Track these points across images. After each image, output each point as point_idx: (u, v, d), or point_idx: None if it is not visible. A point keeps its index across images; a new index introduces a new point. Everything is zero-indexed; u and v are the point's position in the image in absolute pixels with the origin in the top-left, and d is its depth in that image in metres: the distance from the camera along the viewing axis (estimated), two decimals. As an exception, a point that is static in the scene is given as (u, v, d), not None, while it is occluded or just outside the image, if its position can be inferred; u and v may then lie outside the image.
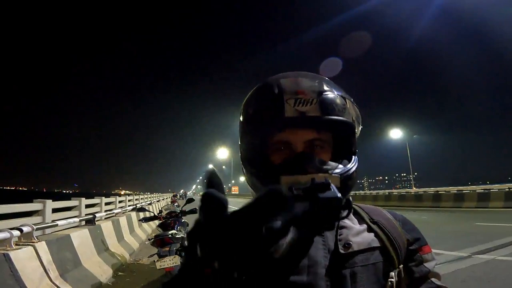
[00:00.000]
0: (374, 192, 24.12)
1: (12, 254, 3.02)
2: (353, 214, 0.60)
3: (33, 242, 3.49)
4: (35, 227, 3.60)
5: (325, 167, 0.54)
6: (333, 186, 0.45)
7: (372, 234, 0.56)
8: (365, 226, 0.57)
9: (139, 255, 6.48)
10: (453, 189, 16.23)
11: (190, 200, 4.47)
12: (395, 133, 28.77)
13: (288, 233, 0.50)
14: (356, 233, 0.55)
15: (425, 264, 0.58)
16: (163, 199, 22.23)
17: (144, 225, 9.04)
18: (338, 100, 0.57)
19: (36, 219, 4.31)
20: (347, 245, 0.53)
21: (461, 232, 7.29)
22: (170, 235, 3.85)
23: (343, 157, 0.58)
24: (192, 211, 4.13)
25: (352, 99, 0.61)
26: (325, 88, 0.57)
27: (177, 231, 3.98)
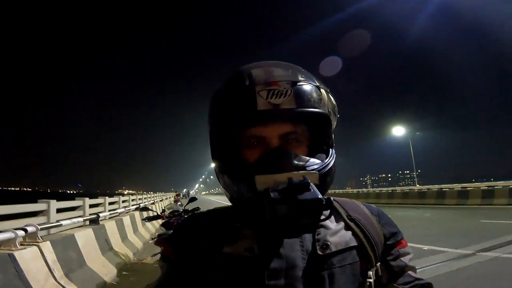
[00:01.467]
0: (377, 190, 24.04)
1: (17, 254, 3.04)
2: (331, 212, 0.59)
3: (38, 242, 3.51)
4: (39, 227, 3.62)
5: (302, 163, 0.51)
6: (312, 186, 0.43)
7: (349, 233, 0.54)
8: (342, 224, 0.56)
9: (143, 254, 6.50)
10: (457, 186, 16.13)
11: (193, 199, 4.48)
12: (398, 130, 28.61)
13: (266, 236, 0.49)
14: (334, 232, 0.53)
15: (402, 259, 0.57)
16: (166, 199, 22.31)
17: (148, 224, 9.07)
18: (314, 91, 0.53)
19: (40, 219, 4.34)
20: (325, 246, 0.51)
21: (466, 229, 7.25)
22: None
23: (319, 151, 0.55)
24: (195, 210, 4.14)
25: (328, 90, 0.57)
26: (300, 78, 0.53)
27: (180, 230, 3.99)
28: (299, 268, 0.48)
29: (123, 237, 6.53)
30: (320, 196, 0.42)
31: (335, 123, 0.59)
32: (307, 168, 0.50)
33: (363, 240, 0.54)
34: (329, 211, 0.49)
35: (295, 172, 0.48)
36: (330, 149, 0.56)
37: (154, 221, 6.49)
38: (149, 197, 16.55)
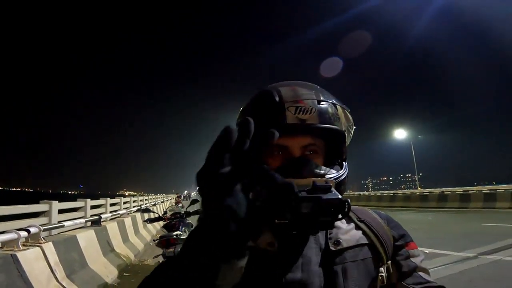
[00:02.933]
0: (378, 193, 23.91)
1: (20, 255, 3.05)
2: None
3: (40, 243, 3.53)
4: (42, 228, 3.63)
5: (320, 171, 0.58)
6: (333, 189, 0.48)
7: (360, 232, 0.60)
8: (352, 225, 0.61)
9: (144, 255, 6.51)
10: (459, 190, 16.07)
11: (194, 201, 4.48)
12: (400, 133, 28.58)
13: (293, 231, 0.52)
14: (345, 231, 0.59)
15: (412, 259, 0.61)
16: (167, 200, 22.31)
17: (149, 226, 9.08)
18: (333, 110, 0.61)
19: (42, 220, 4.35)
20: (337, 242, 0.56)
21: (468, 232, 7.22)
22: (175, 236, 3.87)
23: (334, 164, 0.62)
24: (197, 212, 4.14)
25: (348, 109, 0.65)
26: (322, 97, 0.60)
27: (181, 232, 3.99)
28: (314, 263, 0.54)
29: (125, 238, 6.53)
30: (340, 197, 0.47)
31: (349, 140, 0.66)
32: (326, 176, 0.57)
33: (373, 239, 0.59)
34: (346, 211, 0.52)
35: (318, 179, 0.53)
36: (344, 162, 0.63)
37: (155, 223, 6.51)
38: (150, 199, 16.55)
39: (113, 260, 5.22)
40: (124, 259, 5.64)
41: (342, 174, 0.60)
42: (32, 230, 3.47)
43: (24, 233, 3.33)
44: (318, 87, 0.65)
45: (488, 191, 14.48)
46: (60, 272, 3.56)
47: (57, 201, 4.77)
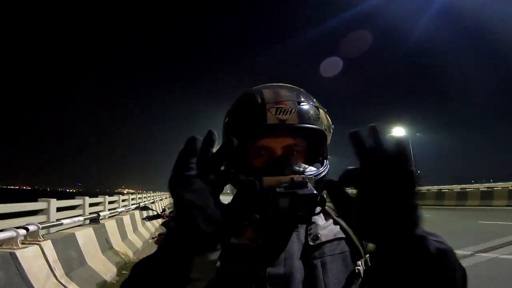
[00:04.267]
0: None
1: (19, 253, 3.05)
2: (321, 212, 0.66)
3: (39, 241, 3.53)
4: (40, 226, 3.63)
5: (300, 169, 0.61)
6: (309, 184, 0.52)
7: (337, 227, 0.62)
8: (331, 221, 0.63)
9: (143, 253, 6.52)
10: (457, 187, 16.17)
11: None
12: (398, 131, 28.65)
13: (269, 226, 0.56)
14: (323, 227, 0.61)
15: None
16: (166, 198, 22.31)
17: (148, 223, 9.09)
18: (313, 110, 0.64)
19: (40, 218, 4.36)
20: (315, 237, 0.59)
21: (464, 230, 7.28)
22: None
23: (316, 162, 0.65)
24: None
25: (325, 109, 0.68)
26: (302, 99, 0.64)
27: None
28: (296, 258, 0.56)
29: (123, 236, 6.55)
30: (315, 192, 0.50)
31: (329, 138, 0.69)
32: (305, 173, 0.60)
33: (350, 233, 0.60)
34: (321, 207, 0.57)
35: (296, 175, 0.55)
36: (325, 160, 0.66)
37: (154, 221, 6.51)
38: (149, 196, 16.55)
39: (112, 258, 5.23)
40: (123, 256, 5.65)
41: (323, 171, 0.63)
42: (31, 228, 3.48)
43: (22, 231, 3.33)
44: (301, 89, 0.68)
45: (485, 189, 14.59)
46: (58, 270, 3.57)
47: (55, 199, 4.77)
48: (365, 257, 0.59)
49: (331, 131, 0.70)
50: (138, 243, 7.20)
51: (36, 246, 3.40)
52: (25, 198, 4.81)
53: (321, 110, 0.66)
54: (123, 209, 7.89)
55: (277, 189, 0.49)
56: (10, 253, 2.99)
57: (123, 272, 5.04)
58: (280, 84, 0.69)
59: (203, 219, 0.37)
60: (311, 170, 0.62)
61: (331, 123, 0.70)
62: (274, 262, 0.55)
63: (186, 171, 0.38)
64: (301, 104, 0.63)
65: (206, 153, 0.40)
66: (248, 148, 0.64)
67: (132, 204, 9.68)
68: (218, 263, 0.40)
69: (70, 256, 4.01)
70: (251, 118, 0.61)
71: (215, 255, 0.39)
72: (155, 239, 4.01)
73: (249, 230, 0.58)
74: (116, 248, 5.71)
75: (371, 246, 0.60)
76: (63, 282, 3.51)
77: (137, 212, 8.21)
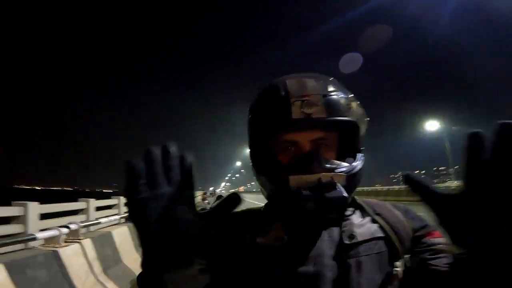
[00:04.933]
0: (396, 187, 22.37)
1: (61, 251, 3.24)
2: (357, 209, 0.62)
3: (80, 240, 3.72)
4: (81, 225, 3.82)
5: (330, 165, 0.56)
6: (338, 185, 0.50)
7: (375, 225, 0.58)
8: (368, 218, 0.59)
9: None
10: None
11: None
12: (432, 125, 27.14)
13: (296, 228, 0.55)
14: (360, 225, 0.57)
15: (436, 247, 0.56)
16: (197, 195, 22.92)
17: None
18: (343, 101, 0.58)
19: (81, 217, 4.59)
20: (351, 236, 0.55)
21: None
22: None
23: (348, 156, 0.60)
24: None
25: (356, 99, 0.62)
26: (330, 89, 0.58)
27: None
28: (327, 256, 0.53)
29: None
30: (345, 194, 0.48)
31: (364, 129, 0.62)
32: (336, 170, 0.55)
33: (389, 233, 0.57)
34: (352, 209, 0.57)
35: (325, 173, 0.52)
36: (358, 154, 0.60)
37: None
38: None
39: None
40: (156, 254, 5.82)
41: (355, 167, 0.57)
42: (73, 226, 3.67)
43: (65, 230, 3.52)
44: (330, 78, 0.62)
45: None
46: (97, 268, 3.73)
47: (94, 199, 5.01)
48: (404, 257, 0.56)
49: (365, 121, 0.63)
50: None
51: (77, 244, 3.58)
52: (66, 199, 5.11)
53: (351, 100, 0.59)
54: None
55: (303, 192, 0.47)
56: (53, 251, 3.17)
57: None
58: (307, 73, 0.63)
59: (162, 238, 0.38)
60: (342, 166, 0.57)
61: (364, 113, 0.63)
62: (304, 260, 0.53)
63: (136, 196, 0.39)
64: (329, 95, 0.57)
65: (166, 163, 0.40)
66: (274, 143, 0.61)
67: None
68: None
69: (107, 254, 4.19)
70: (275, 113, 0.57)
71: (190, 271, 0.39)
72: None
73: (275, 230, 0.56)
74: (150, 246, 5.89)
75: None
76: (101, 280, 3.66)
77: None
